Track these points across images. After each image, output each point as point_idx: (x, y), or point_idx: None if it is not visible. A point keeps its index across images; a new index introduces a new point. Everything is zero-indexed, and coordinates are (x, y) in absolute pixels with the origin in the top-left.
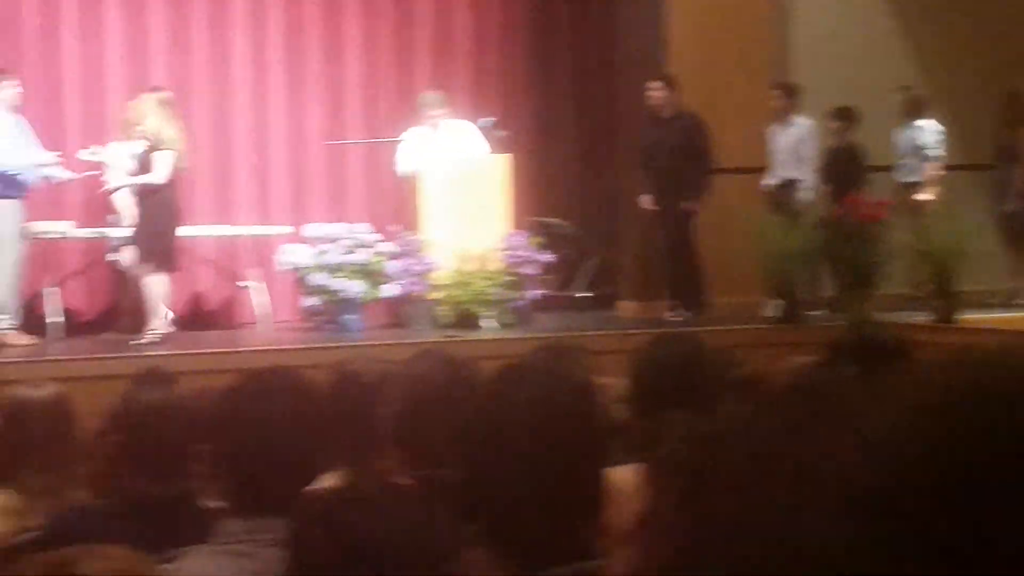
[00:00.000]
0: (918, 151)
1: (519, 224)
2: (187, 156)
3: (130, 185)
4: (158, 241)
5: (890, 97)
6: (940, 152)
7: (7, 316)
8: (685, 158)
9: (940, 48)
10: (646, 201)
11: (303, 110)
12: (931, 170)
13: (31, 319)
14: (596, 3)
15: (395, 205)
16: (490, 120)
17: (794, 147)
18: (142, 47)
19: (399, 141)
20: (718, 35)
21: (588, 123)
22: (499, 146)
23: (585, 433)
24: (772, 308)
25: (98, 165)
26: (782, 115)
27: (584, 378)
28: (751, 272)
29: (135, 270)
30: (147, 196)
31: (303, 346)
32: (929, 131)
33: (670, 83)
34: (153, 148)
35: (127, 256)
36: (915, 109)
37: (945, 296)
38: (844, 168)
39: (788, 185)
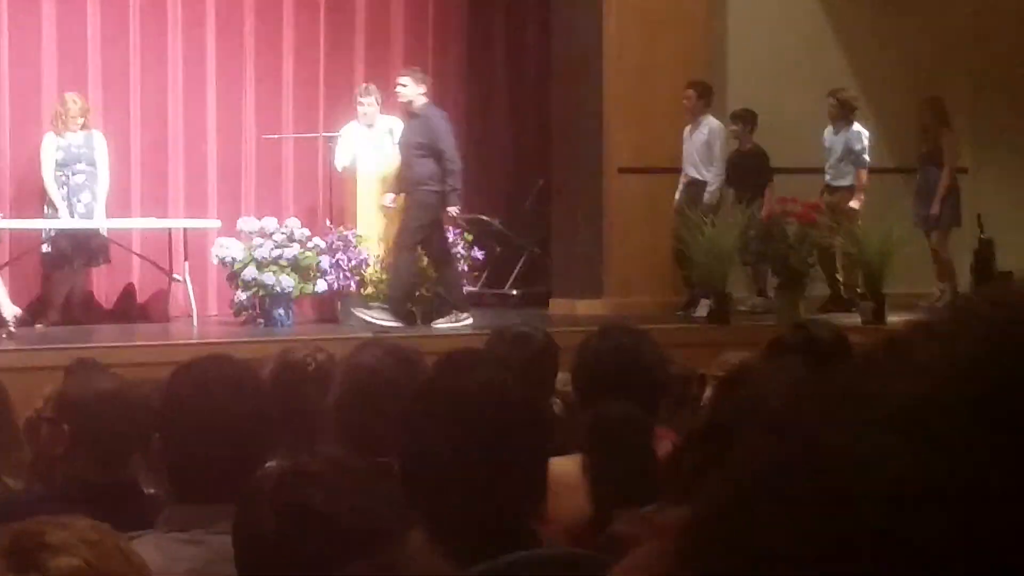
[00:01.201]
0: (847, 155)
1: (450, 220)
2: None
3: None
4: None
5: (822, 100)
6: (867, 157)
7: None
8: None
9: (871, 52)
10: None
11: (238, 104)
12: (860, 175)
13: None
14: (532, 5)
15: (329, 200)
16: None
17: (703, 148)
18: (78, 41)
19: (335, 136)
20: (655, 38)
21: (522, 121)
22: None
23: (529, 421)
24: (701, 307)
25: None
26: (694, 115)
27: (534, 362)
28: (674, 271)
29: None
30: None
31: (234, 340)
32: (858, 136)
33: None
34: None
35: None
36: (845, 113)
37: (875, 298)
38: (748, 171)
39: (695, 185)
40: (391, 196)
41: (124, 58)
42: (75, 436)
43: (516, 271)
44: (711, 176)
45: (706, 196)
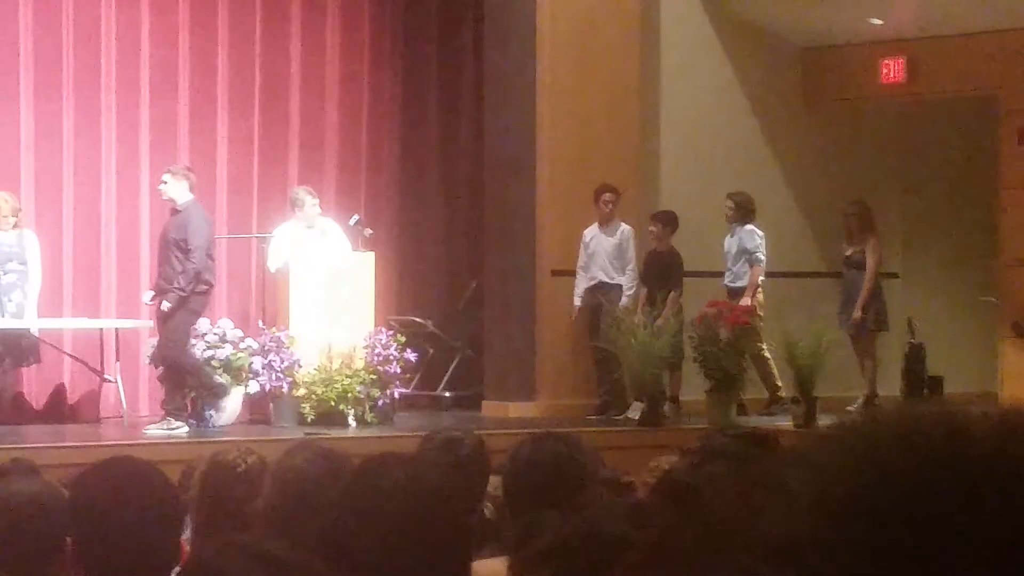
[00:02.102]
0: (742, 255)
1: (383, 322)
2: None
3: None
4: None
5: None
6: (762, 256)
7: None
8: None
9: (803, 158)
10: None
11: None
12: (754, 272)
13: None
14: (466, 105)
15: (262, 301)
16: (356, 218)
17: (615, 251)
18: (10, 140)
19: (269, 237)
20: (588, 140)
21: (453, 222)
22: (364, 244)
23: (452, 523)
24: (633, 410)
25: None
26: (610, 218)
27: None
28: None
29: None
30: None
31: (167, 440)
32: (751, 234)
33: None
34: None
35: None
36: (742, 213)
37: (806, 401)
38: (662, 272)
39: (606, 288)
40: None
41: (57, 157)
42: None
43: (449, 373)
44: (626, 280)
45: (623, 299)
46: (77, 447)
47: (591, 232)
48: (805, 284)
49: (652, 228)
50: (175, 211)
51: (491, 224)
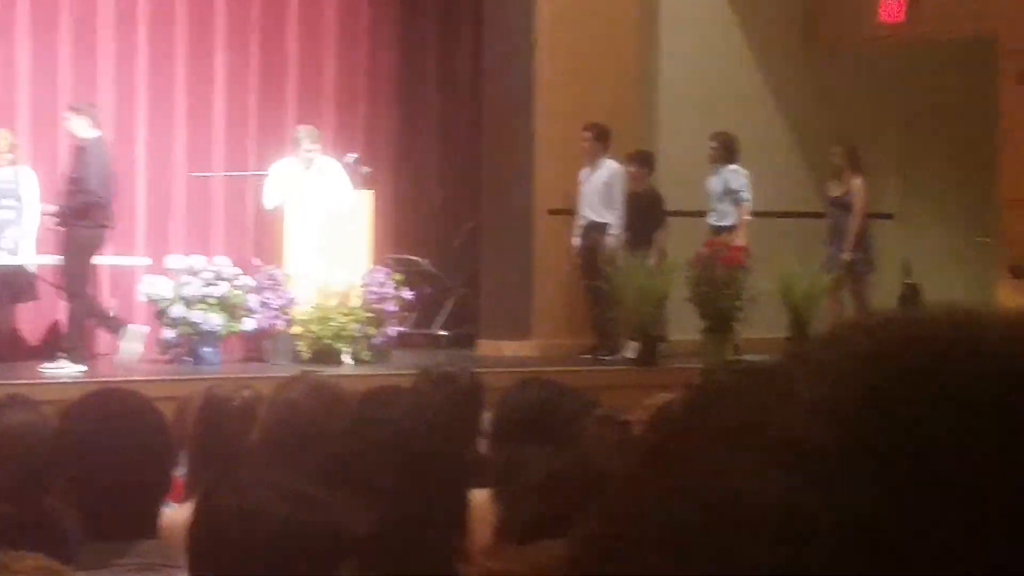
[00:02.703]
0: (727, 194)
1: (380, 261)
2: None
3: None
4: None
5: (754, 147)
6: (747, 195)
7: None
8: None
9: (803, 102)
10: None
11: (168, 141)
12: (741, 214)
13: None
14: (464, 43)
15: (258, 239)
16: (353, 156)
17: (603, 190)
18: (6, 76)
19: (265, 175)
20: (586, 82)
21: (452, 162)
22: (362, 183)
23: (449, 457)
24: (628, 349)
25: None
26: (592, 157)
27: (458, 402)
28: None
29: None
30: None
31: (161, 377)
32: (735, 174)
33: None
34: None
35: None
36: (726, 154)
37: (801, 340)
38: (642, 213)
39: (596, 228)
40: None
41: (53, 93)
42: None
43: (445, 312)
44: (612, 218)
45: (609, 239)
46: (72, 383)
47: (583, 172)
48: (804, 224)
49: (629, 168)
50: (78, 147)
51: (488, 163)
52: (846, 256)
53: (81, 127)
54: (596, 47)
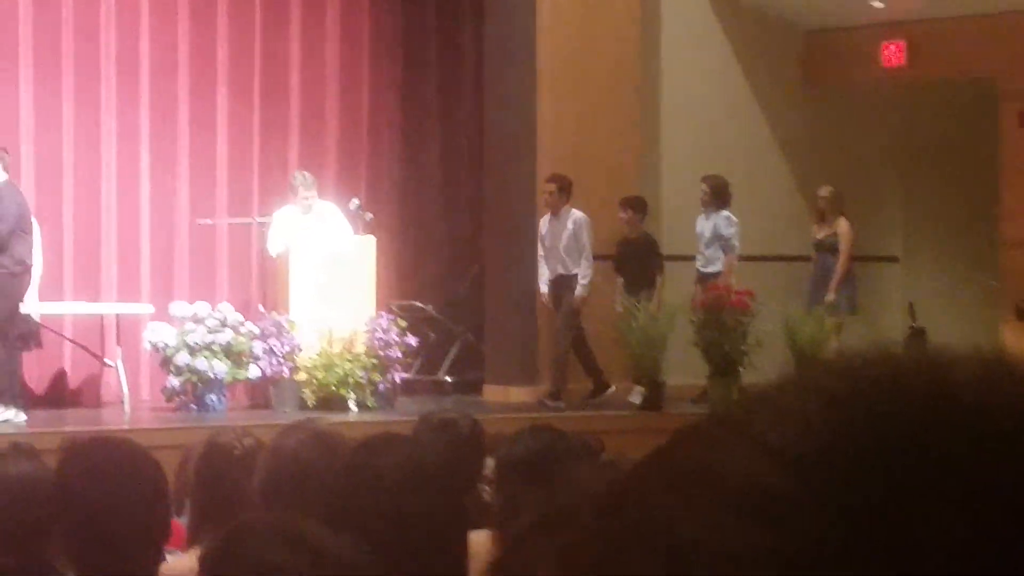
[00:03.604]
0: (716, 240)
1: (384, 307)
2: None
3: None
4: None
5: (755, 191)
6: (736, 243)
7: None
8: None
9: (804, 144)
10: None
11: (172, 187)
12: (730, 261)
13: None
14: (467, 88)
15: (262, 285)
16: (356, 202)
17: (569, 241)
18: (10, 124)
19: (268, 221)
20: (589, 123)
21: (454, 206)
22: (365, 228)
23: (446, 502)
24: (634, 395)
25: None
26: (555, 208)
27: (459, 448)
28: (612, 358)
29: None
30: None
31: (166, 425)
32: (727, 220)
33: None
34: None
35: None
36: (716, 199)
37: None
38: (636, 259)
39: (564, 280)
40: None
41: (57, 141)
42: None
43: (450, 357)
44: (582, 268)
45: (578, 289)
46: (77, 431)
47: (543, 223)
48: (802, 267)
49: (622, 215)
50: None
51: (491, 207)
52: (830, 297)
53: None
54: (597, 91)
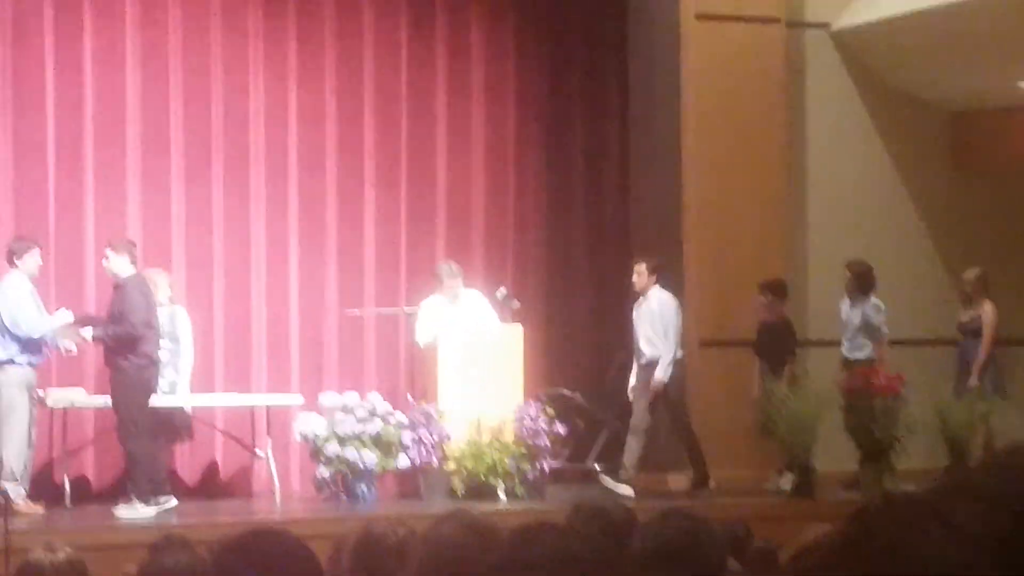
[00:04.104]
0: (864, 328)
1: (532, 395)
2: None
3: None
4: None
5: (897, 263)
6: (886, 329)
7: (17, 482)
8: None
9: (947, 218)
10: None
11: (320, 278)
12: (881, 348)
13: (38, 487)
14: (611, 174)
15: (410, 375)
16: (503, 291)
17: (655, 321)
18: (162, 220)
19: (416, 310)
20: (736, 204)
21: (600, 292)
22: (512, 316)
23: None
24: (783, 481)
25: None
26: (643, 289)
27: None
28: (756, 444)
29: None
30: None
31: (317, 516)
32: (876, 308)
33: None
34: None
35: None
36: (861, 285)
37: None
38: (774, 341)
39: (652, 364)
40: None
41: (207, 234)
42: None
43: (599, 445)
44: (665, 350)
45: (659, 372)
46: (230, 523)
47: (636, 307)
48: (949, 351)
49: (761, 298)
50: (116, 285)
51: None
52: (973, 382)
53: (121, 265)
54: (744, 179)
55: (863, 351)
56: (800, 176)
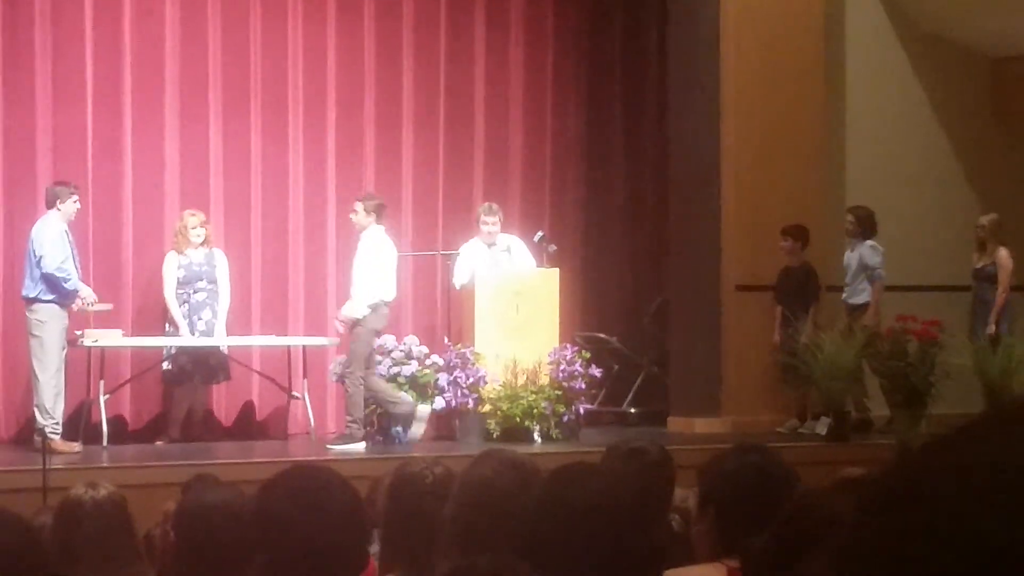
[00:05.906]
0: (862, 271)
1: (568, 338)
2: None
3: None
4: None
5: (938, 213)
6: (883, 272)
7: (53, 420)
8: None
9: (988, 169)
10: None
11: None
12: (875, 291)
13: (75, 426)
14: (649, 118)
15: (447, 317)
16: (541, 234)
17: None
18: (200, 160)
19: (454, 254)
20: (772, 155)
21: (638, 238)
22: (549, 260)
23: (642, 533)
24: (819, 426)
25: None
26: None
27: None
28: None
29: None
30: None
31: (351, 457)
32: (873, 250)
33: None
34: None
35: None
36: (862, 229)
37: None
38: (796, 287)
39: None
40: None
41: (245, 176)
42: (186, 549)
43: (634, 389)
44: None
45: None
46: (265, 463)
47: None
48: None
49: (783, 244)
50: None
51: (676, 239)
52: (990, 329)
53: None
54: (782, 123)
55: (862, 295)
56: (839, 124)
